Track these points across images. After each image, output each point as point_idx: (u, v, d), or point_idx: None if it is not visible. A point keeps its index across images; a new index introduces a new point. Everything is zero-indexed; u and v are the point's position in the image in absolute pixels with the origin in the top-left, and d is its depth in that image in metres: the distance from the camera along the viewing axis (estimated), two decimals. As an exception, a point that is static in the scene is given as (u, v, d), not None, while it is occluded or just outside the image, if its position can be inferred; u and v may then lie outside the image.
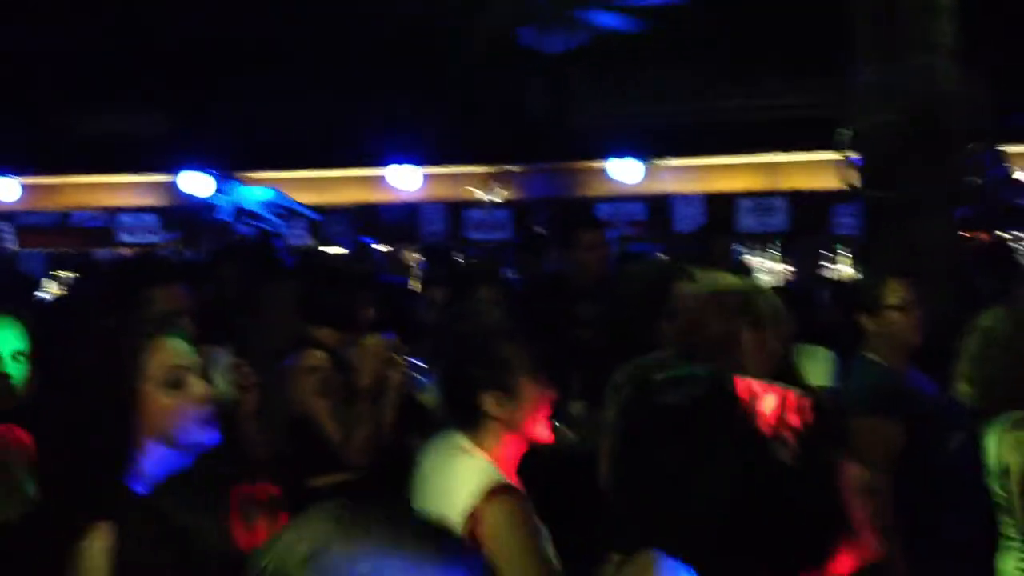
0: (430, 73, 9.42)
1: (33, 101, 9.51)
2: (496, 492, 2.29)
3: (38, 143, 9.83)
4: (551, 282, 5.01)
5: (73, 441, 1.94)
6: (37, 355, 2.74)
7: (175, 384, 1.98)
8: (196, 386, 2.00)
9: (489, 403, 2.40)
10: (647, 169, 9.67)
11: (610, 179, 9.81)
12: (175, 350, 2.01)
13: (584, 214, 9.10)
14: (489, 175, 10.27)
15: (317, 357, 3.46)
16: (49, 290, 7.97)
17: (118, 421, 1.91)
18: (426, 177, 10.10)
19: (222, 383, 2.85)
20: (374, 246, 8.70)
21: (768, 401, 2.27)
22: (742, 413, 1.72)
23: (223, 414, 2.13)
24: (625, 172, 9.67)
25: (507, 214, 10.35)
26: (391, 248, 9.22)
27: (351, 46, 8.63)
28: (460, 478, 2.32)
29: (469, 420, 2.43)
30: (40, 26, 7.91)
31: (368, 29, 8.27)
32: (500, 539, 2.24)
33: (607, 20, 7.33)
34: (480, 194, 10.29)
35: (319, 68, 9.19)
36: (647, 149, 9.48)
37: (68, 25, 7.98)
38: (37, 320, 2.84)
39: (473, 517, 2.26)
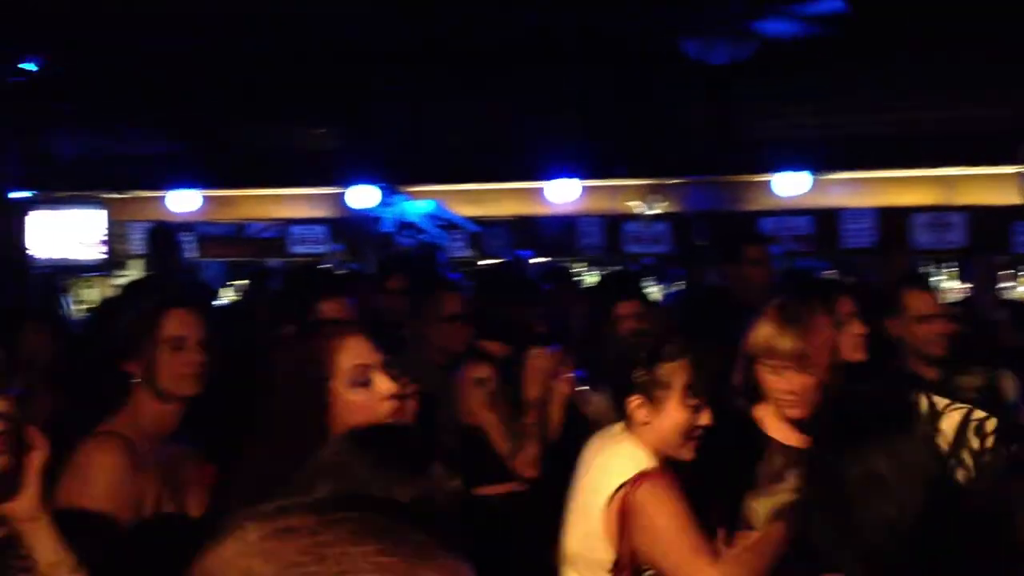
0: (589, 86, 9.42)
1: (210, 116, 10.00)
2: (643, 474, 2.37)
3: (217, 157, 10.34)
4: (713, 296, 4.91)
5: (270, 438, 2.03)
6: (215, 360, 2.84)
7: (362, 382, 2.05)
8: (381, 383, 2.07)
9: (634, 407, 2.44)
10: (814, 182, 9.38)
11: (774, 192, 9.56)
12: (361, 349, 2.08)
13: (748, 228, 8.92)
14: (648, 188, 10.18)
15: (485, 369, 3.49)
16: (226, 297, 8.35)
17: (313, 418, 1.99)
18: (584, 190, 10.09)
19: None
20: (532, 259, 8.74)
21: (950, 419, 2.18)
22: (923, 428, 1.65)
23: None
24: (790, 185, 9.39)
25: (666, 227, 10.24)
26: (548, 262, 9.24)
27: (511, 60, 8.72)
28: (612, 460, 2.44)
29: (624, 416, 2.51)
30: (218, 42, 8.30)
31: (529, 43, 8.33)
32: (647, 517, 2.32)
33: (775, 28, 7.14)
34: (639, 207, 10.20)
35: (480, 82, 9.33)
36: (814, 162, 9.20)
37: (245, 41, 8.34)
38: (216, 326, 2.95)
39: (621, 497, 2.34)
